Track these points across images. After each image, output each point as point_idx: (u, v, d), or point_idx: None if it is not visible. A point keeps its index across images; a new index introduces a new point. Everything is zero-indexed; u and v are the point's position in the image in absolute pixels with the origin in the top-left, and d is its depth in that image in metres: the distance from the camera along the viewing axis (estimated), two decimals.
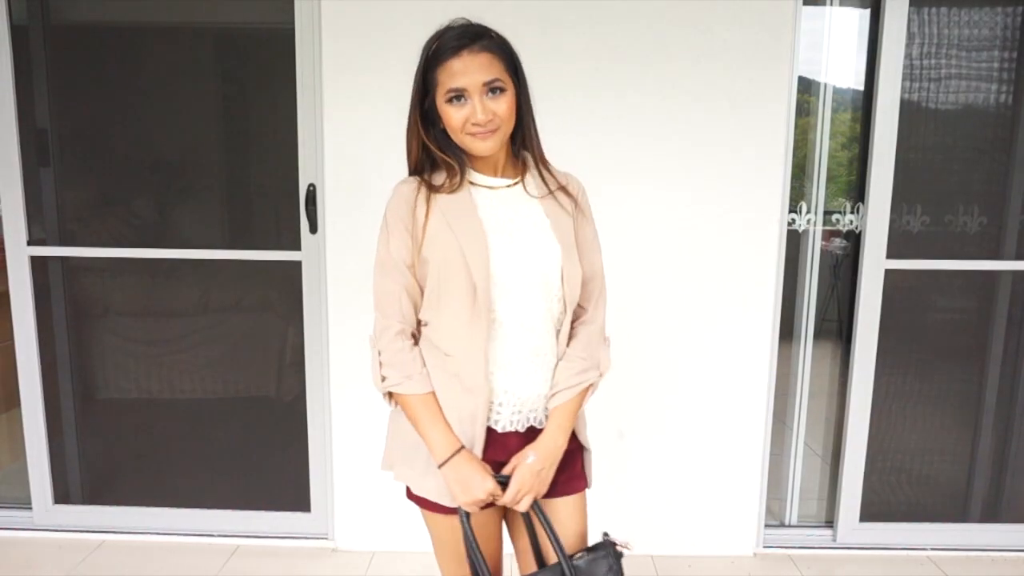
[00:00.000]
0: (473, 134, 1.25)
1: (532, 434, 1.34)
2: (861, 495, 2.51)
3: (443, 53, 1.24)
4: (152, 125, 2.48)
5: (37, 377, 2.52)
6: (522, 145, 1.35)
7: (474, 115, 1.23)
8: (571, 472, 1.39)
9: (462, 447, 1.28)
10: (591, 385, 1.37)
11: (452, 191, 1.29)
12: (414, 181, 1.31)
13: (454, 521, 1.33)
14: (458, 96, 1.23)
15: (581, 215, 1.37)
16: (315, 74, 2.28)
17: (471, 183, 1.32)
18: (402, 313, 1.31)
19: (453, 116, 1.24)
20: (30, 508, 2.59)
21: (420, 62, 1.28)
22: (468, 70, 1.22)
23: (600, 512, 2.48)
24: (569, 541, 1.39)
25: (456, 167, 1.29)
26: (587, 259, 1.36)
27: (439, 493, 1.32)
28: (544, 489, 1.32)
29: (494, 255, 1.27)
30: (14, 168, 2.40)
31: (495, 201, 1.32)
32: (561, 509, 1.39)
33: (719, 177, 2.30)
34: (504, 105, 1.25)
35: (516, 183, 1.35)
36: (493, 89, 1.24)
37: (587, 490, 1.44)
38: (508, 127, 1.28)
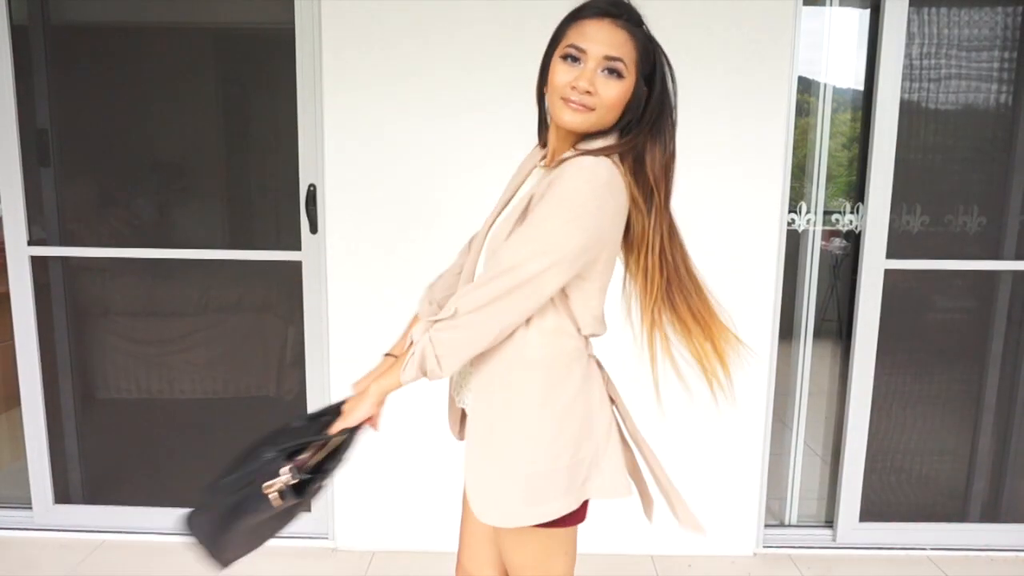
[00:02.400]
0: (567, 100, 1.16)
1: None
2: (861, 495, 2.51)
3: (585, 12, 1.17)
4: (152, 125, 2.48)
5: (37, 377, 2.52)
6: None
7: (581, 79, 1.14)
8: None
9: None
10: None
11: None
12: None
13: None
14: (575, 57, 1.15)
15: (542, 197, 1.16)
16: (315, 74, 2.28)
17: None
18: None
19: (559, 74, 1.16)
20: (30, 508, 2.59)
21: (562, 22, 1.22)
22: (599, 37, 1.14)
23: (600, 511, 2.49)
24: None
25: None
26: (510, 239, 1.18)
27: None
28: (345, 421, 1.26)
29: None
30: (14, 168, 2.40)
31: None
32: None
33: (719, 177, 2.30)
34: (614, 92, 1.15)
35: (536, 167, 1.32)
36: (612, 69, 1.15)
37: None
38: (606, 116, 1.17)
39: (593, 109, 1.16)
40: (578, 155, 1.16)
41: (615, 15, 1.17)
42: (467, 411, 1.33)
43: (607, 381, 1.36)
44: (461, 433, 1.43)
